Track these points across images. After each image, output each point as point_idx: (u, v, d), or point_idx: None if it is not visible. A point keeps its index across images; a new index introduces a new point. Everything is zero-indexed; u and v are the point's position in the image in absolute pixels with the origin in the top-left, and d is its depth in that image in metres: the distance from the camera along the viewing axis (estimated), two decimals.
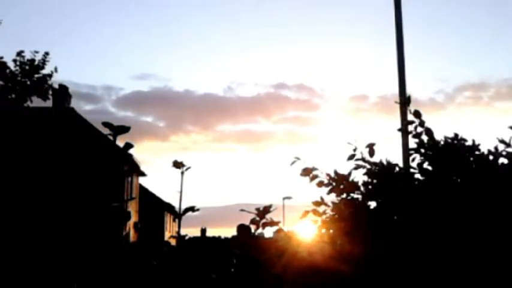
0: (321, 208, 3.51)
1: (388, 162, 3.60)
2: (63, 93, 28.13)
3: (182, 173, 3.29)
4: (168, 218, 42.86)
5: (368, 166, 3.61)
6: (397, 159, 3.70)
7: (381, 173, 3.56)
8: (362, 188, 3.56)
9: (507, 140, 3.58)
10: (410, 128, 3.76)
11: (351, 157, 3.67)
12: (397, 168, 3.62)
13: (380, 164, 3.59)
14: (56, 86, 25.45)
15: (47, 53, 22.71)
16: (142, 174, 34.33)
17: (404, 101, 3.99)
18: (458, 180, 3.45)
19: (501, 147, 3.56)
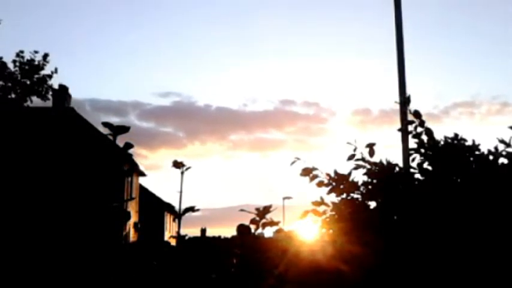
0: (321, 208, 3.51)
1: (388, 162, 3.60)
2: (63, 93, 28.13)
3: (182, 173, 3.30)
4: (168, 218, 42.87)
5: (368, 166, 3.61)
6: (397, 161, 3.70)
7: (381, 173, 3.56)
8: (362, 188, 3.55)
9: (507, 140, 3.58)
10: (410, 128, 3.76)
11: (351, 157, 3.66)
12: (397, 168, 3.62)
13: (380, 164, 3.59)
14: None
15: (46, 54, 22.73)
16: (142, 174, 34.33)
17: (404, 101, 3.98)
18: (458, 180, 3.45)
19: (501, 147, 3.56)
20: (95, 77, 62.08)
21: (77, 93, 59.70)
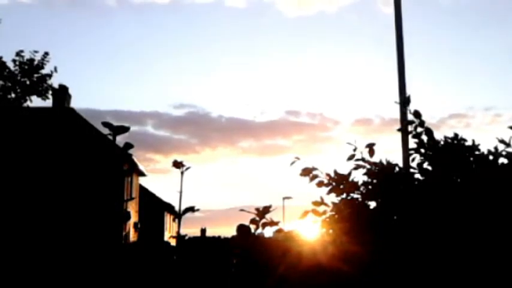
0: (321, 208, 3.51)
1: (388, 162, 3.60)
2: (63, 93, 28.12)
3: (182, 173, 3.29)
4: (168, 218, 42.88)
5: (368, 166, 3.61)
6: (397, 162, 3.70)
7: (380, 173, 3.56)
8: (362, 188, 3.55)
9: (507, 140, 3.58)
10: (410, 128, 3.75)
11: (351, 157, 3.66)
12: (397, 168, 3.62)
13: (380, 164, 3.59)
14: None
15: (46, 53, 22.73)
16: (142, 174, 34.33)
17: (404, 100, 3.98)
18: (458, 180, 3.44)
19: (501, 147, 3.56)
20: (119, 89, 70.39)
21: (101, 104, 64.60)
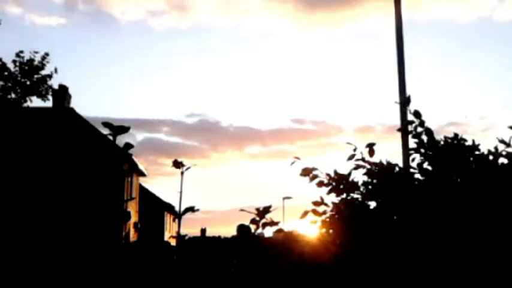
0: (321, 208, 3.51)
1: (388, 162, 3.60)
2: (63, 93, 28.11)
3: (182, 173, 3.29)
4: (168, 218, 42.88)
5: (368, 166, 3.61)
6: (397, 161, 3.70)
7: (380, 173, 3.56)
8: (362, 188, 3.55)
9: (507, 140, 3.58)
10: (410, 128, 3.75)
11: (351, 157, 3.66)
12: (397, 168, 3.62)
13: (380, 164, 3.59)
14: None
15: (46, 54, 22.76)
16: (142, 174, 34.33)
17: (404, 100, 3.98)
18: (458, 180, 3.44)
19: (501, 147, 3.56)
20: (135, 99, 73.17)
21: (118, 113, 68.20)
